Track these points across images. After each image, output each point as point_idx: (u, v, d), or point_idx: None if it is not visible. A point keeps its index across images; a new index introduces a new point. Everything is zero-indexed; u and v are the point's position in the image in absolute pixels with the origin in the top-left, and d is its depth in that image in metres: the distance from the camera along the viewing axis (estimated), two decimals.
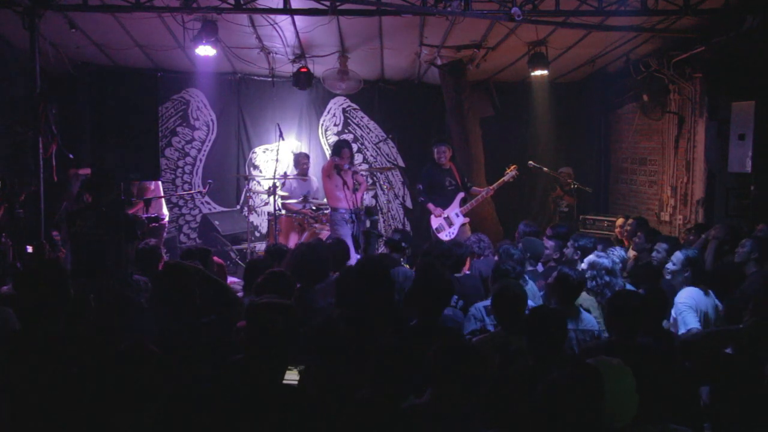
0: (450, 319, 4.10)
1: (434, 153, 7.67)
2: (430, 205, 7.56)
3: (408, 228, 9.92)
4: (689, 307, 4.24)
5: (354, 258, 6.37)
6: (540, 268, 5.68)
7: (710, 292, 4.45)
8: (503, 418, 2.79)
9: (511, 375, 3.16)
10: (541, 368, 3.08)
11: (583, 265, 4.74)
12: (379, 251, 7.47)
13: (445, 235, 7.48)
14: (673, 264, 4.57)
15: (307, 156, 8.82)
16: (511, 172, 7.59)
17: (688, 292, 4.35)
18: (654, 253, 5.39)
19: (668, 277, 4.64)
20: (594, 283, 4.52)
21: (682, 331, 4.18)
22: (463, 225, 7.55)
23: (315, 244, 5.03)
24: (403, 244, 5.95)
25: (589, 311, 4.30)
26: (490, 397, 2.89)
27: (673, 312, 4.34)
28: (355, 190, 7.25)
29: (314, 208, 8.16)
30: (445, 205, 7.57)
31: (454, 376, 2.57)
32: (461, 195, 7.62)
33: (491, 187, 7.63)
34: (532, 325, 3.23)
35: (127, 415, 2.36)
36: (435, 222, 7.62)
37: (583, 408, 2.25)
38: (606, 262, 4.59)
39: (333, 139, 9.64)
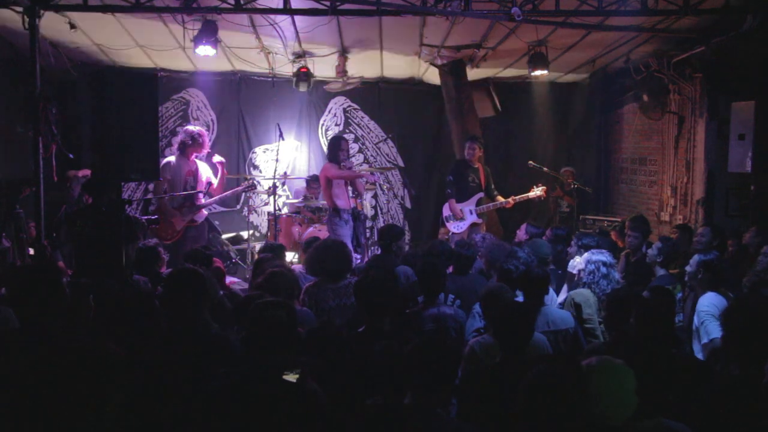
0: (451, 318, 4.10)
1: (465, 148, 7.81)
2: (453, 201, 7.66)
3: (406, 228, 9.93)
4: (711, 315, 4.03)
5: (354, 259, 6.36)
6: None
7: (731, 295, 4.30)
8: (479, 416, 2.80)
9: (477, 371, 3.16)
10: (507, 364, 3.09)
11: (581, 265, 4.76)
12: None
13: (454, 227, 7.61)
14: (690, 266, 4.47)
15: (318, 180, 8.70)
16: (538, 190, 7.63)
17: (709, 299, 4.17)
18: (648, 250, 5.39)
19: (686, 278, 4.59)
20: (592, 276, 4.57)
21: (705, 341, 4.00)
22: (475, 224, 7.60)
23: (340, 243, 5.05)
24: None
25: (579, 306, 4.32)
26: (458, 393, 2.90)
27: (695, 320, 4.17)
28: (356, 196, 7.28)
29: (313, 208, 8.17)
30: (462, 200, 7.68)
31: (430, 375, 2.56)
32: (480, 195, 7.69)
33: (513, 198, 7.64)
34: (498, 321, 3.23)
35: (89, 415, 2.33)
36: (446, 211, 7.73)
37: (564, 405, 2.24)
38: (601, 256, 4.66)
39: None
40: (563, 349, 3.97)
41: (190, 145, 6.97)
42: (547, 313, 4.06)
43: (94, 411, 2.31)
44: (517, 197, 7.65)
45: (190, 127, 7.23)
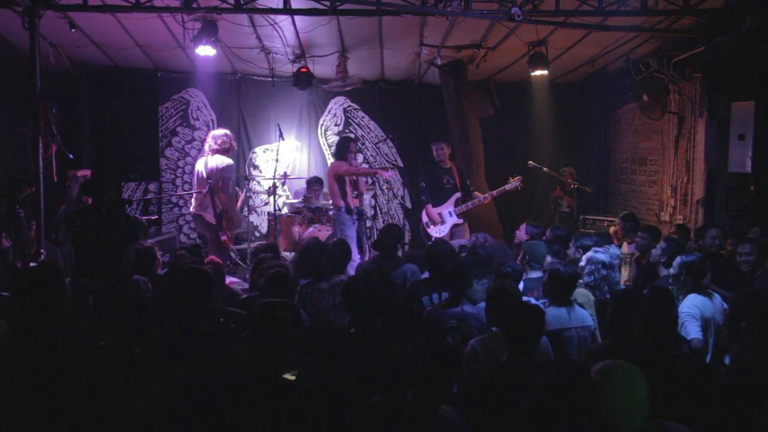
0: (473, 317, 4.09)
1: (432, 150, 7.61)
2: (429, 206, 7.51)
3: (407, 228, 9.92)
4: (692, 316, 4.07)
5: (355, 259, 6.36)
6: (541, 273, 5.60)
7: (716, 296, 4.32)
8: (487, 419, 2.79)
9: (484, 370, 3.16)
10: (514, 364, 3.09)
11: (582, 262, 4.74)
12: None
13: (435, 232, 7.45)
14: (673, 268, 4.46)
15: (320, 182, 8.63)
16: (514, 182, 7.50)
17: (691, 300, 4.19)
18: (653, 251, 5.39)
19: (670, 280, 4.56)
20: (591, 277, 4.53)
21: None
22: (457, 225, 7.46)
23: (325, 243, 5.04)
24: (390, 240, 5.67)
25: (582, 307, 4.31)
26: (464, 392, 2.89)
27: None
28: (358, 195, 7.28)
29: (313, 209, 8.18)
30: (440, 203, 7.52)
31: (432, 375, 2.56)
32: (457, 195, 7.53)
33: (491, 193, 7.53)
34: (510, 321, 3.22)
35: (108, 414, 2.34)
36: (424, 217, 7.57)
37: (573, 410, 2.23)
38: (603, 256, 4.60)
39: (333, 139, 9.63)
40: (588, 344, 4.00)
41: (229, 147, 7.19)
42: (577, 310, 4.11)
43: (113, 412, 2.32)
44: (495, 191, 7.52)
45: (221, 131, 7.40)
